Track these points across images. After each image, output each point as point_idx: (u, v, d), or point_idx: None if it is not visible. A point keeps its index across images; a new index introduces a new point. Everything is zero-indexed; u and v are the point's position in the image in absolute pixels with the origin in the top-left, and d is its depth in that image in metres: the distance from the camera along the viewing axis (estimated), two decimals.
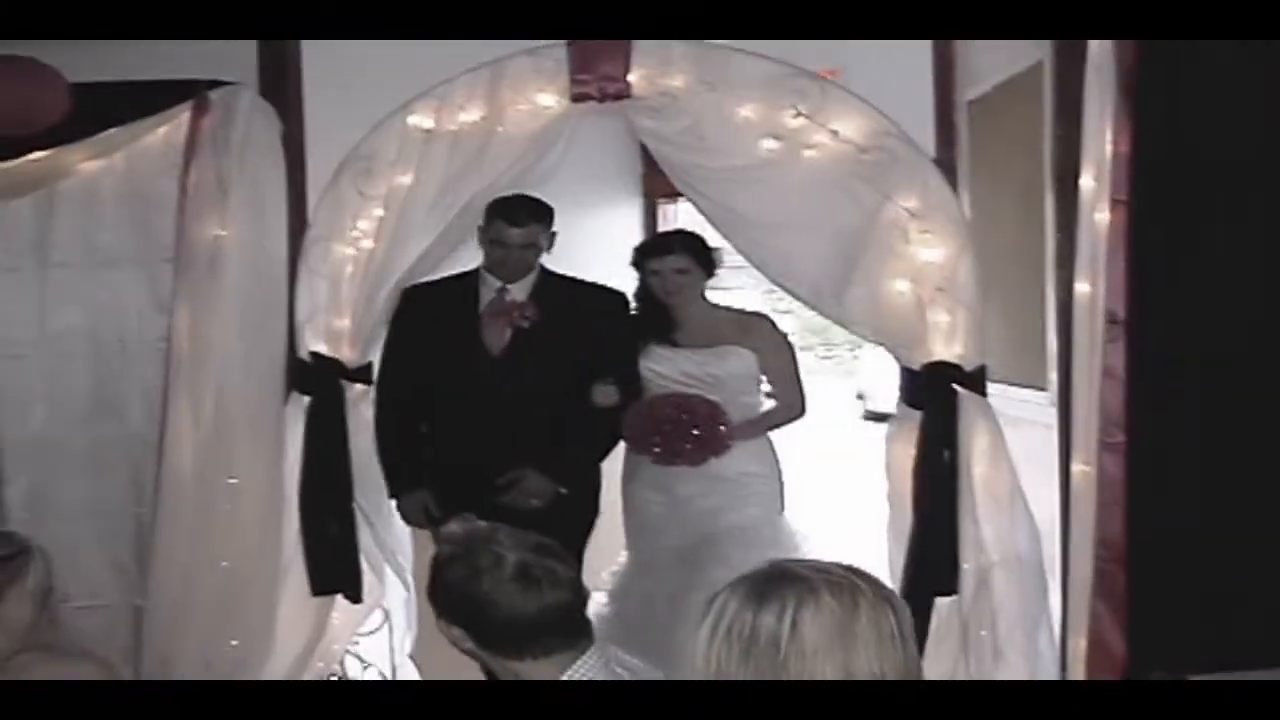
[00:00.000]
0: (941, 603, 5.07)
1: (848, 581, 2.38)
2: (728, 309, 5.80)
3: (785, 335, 5.80)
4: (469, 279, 5.60)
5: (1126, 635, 4.70)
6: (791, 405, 5.72)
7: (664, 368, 5.60)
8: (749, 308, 5.96)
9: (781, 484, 5.77)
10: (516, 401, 5.40)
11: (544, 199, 5.51)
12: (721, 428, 5.52)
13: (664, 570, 5.55)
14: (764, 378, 5.70)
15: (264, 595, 5.52)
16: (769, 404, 5.74)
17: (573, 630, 3.14)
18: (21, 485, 5.97)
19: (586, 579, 4.93)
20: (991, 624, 4.99)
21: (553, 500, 5.41)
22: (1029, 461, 5.22)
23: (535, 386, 5.41)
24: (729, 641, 2.34)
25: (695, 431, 5.50)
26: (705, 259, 5.66)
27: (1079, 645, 4.83)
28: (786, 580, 2.38)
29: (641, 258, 5.72)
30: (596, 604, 5.46)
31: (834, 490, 12.50)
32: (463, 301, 5.54)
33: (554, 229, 5.48)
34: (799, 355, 5.80)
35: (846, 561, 2.45)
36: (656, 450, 5.55)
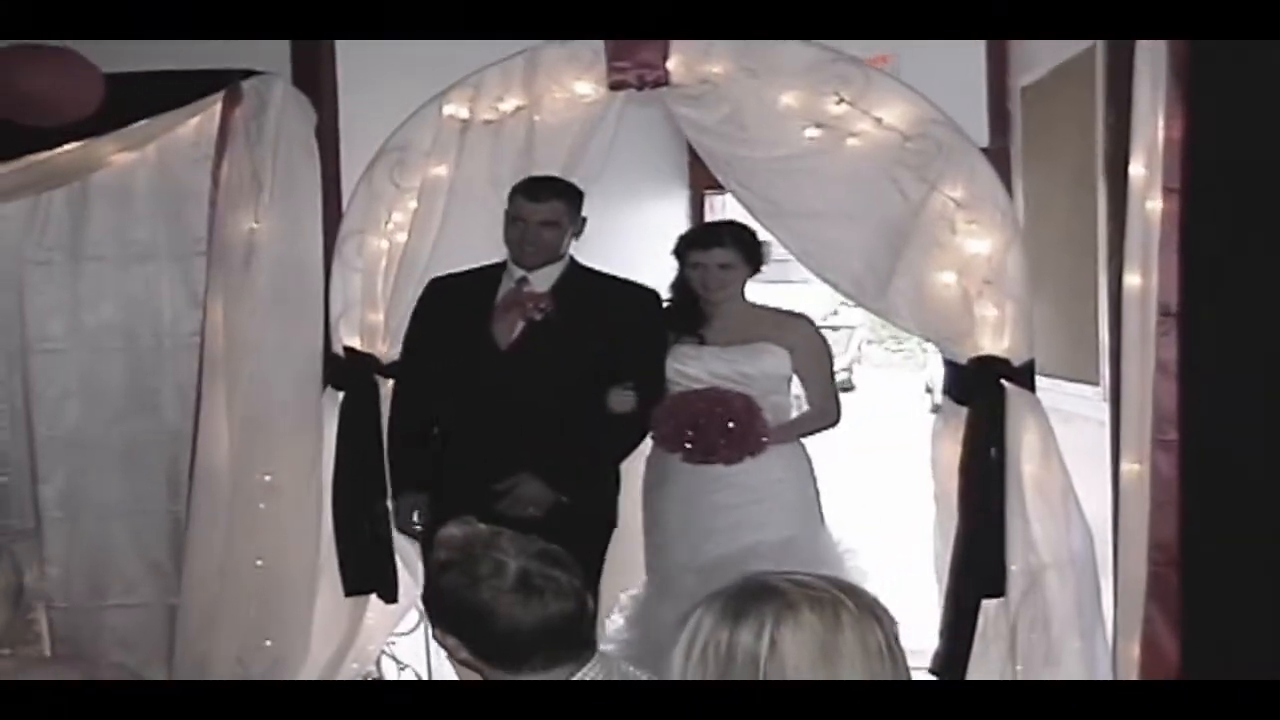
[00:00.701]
0: (989, 605, 4.91)
1: (830, 596, 2.25)
2: (765, 307, 5.43)
3: (824, 338, 5.46)
4: (494, 270, 5.22)
5: (1180, 640, 4.54)
6: (826, 411, 5.35)
7: (691, 368, 5.23)
8: (792, 308, 5.56)
9: (818, 493, 5.40)
10: (524, 400, 5.02)
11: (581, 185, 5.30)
12: (758, 424, 5.18)
13: (690, 592, 4.68)
14: (797, 379, 5.37)
15: (299, 595, 5.45)
16: (799, 408, 5.46)
17: (576, 642, 2.98)
18: (56, 483, 5.93)
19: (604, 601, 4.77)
20: (1044, 627, 4.85)
21: (553, 509, 4.99)
22: (1083, 459, 5.07)
23: (545, 384, 5.01)
24: (705, 661, 2.22)
25: (731, 426, 5.13)
26: (753, 254, 5.28)
27: (1131, 649, 4.67)
28: (764, 596, 2.25)
29: (685, 248, 5.34)
30: (614, 628, 5.31)
31: (902, 483, 12.37)
32: (482, 293, 5.17)
33: (583, 214, 5.14)
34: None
35: (831, 574, 2.32)
36: (688, 447, 5.16)
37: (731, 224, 5.47)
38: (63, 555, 5.91)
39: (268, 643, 5.40)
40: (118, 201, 5.86)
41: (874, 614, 2.25)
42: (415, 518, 5.20)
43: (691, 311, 5.29)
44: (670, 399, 5.20)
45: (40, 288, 5.92)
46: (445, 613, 2.97)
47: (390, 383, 5.35)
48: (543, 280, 5.12)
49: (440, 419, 5.24)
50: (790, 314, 5.45)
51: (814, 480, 5.40)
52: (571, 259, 5.20)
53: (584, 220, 5.14)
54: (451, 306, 5.18)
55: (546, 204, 5.04)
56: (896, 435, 15.76)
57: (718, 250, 5.24)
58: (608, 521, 5.23)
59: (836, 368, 5.64)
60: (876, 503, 10.58)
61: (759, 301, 5.44)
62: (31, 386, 5.93)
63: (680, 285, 5.34)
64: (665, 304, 5.30)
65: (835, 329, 19.40)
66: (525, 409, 5.01)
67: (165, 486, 5.89)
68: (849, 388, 20.33)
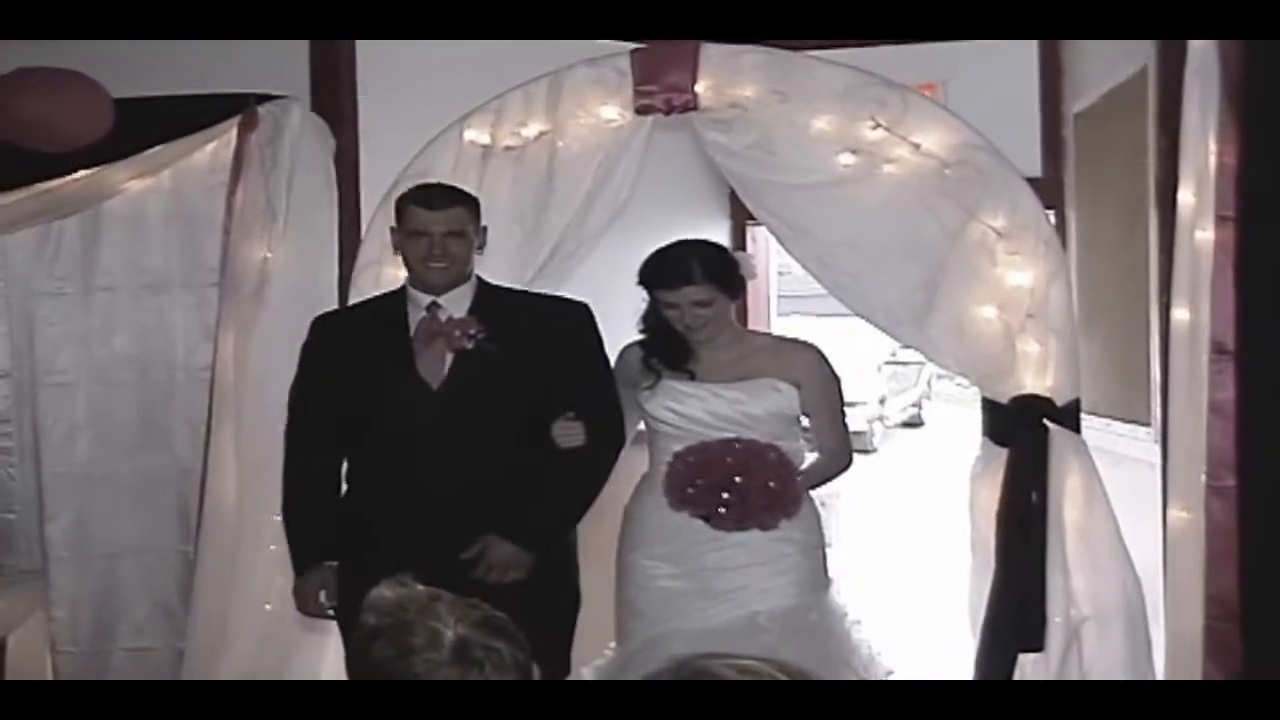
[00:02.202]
0: (1026, 659, 4.61)
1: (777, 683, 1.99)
2: (763, 335, 4.99)
3: (833, 370, 4.80)
4: (393, 299, 4.59)
5: None
6: (838, 454, 4.77)
7: (688, 408, 4.64)
8: (797, 336, 5.05)
9: (824, 554, 4.80)
10: (466, 447, 4.35)
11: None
12: (796, 481, 4.57)
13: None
14: (804, 419, 4.77)
15: (310, 640, 5.23)
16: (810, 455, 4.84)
17: None
18: (63, 521, 5.81)
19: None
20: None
21: (531, 570, 4.33)
22: (1134, 502, 4.81)
23: (490, 426, 4.36)
24: None
25: (770, 484, 4.50)
26: (730, 281, 4.68)
27: None
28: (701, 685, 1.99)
29: (651, 284, 4.70)
30: None
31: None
32: (389, 327, 4.49)
33: (484, 223, 4.57)
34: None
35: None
36: (723, 511, 4.50)
37: (697, 249, 4.78)
38: (69, 596, 5.79)
39: None
40: (131, 230, 5.77)
41: None
42: (324, 598, 4.50)
43: (676, 345, 4.73)
44: (691, 453, 4.58)
45: (50, 319, 5.82)
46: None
47: None
48: (456, 304, 4.46)
49: (355, 478, 4.55)
50: (793, 342, 4.91)
51: (823, 538, 4.83)
52: (479, 277, 4.56)
53: (485, 230, 4.56)
54: (353, 345, 4.52)
55: (448, 211, 4.43)
56: (965, 471, 15.53)
57: (689, 289, 4.62)
58: (574, 591, 4.62)
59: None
60: (939, 539, 10.31)
61: (754, 329, 5.01)
62: (40, 420, 5.80)
63: (657, 318, 4.74)
64: (641, 337, 4.77)
65: (904, 364, 19.25)
66: (469, 457, 4.37)
67: (176, 525, 5.76)
68: (918, 423, 20.17)
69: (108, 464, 5.78)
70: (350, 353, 4.48)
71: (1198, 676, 4.38)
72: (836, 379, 4.80)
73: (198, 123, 5.49)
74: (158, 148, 5.51)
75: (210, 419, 5.36)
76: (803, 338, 4.97)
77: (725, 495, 4.51)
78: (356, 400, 4.44)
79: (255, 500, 5.24)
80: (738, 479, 4.51)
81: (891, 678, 4.67)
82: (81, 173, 5.47)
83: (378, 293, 5.08)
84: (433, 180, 4.63)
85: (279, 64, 5.46)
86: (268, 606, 5.21)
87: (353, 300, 5.12)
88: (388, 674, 2.55)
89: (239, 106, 5.41)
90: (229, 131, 5.46)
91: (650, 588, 4.70)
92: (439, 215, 4.40)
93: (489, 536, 4.34)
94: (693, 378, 4.70)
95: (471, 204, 4.48)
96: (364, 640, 2.62)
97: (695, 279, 4.61)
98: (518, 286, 4.70)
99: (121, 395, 5.78)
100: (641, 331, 4.77)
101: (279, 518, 5.12)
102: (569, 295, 4.63)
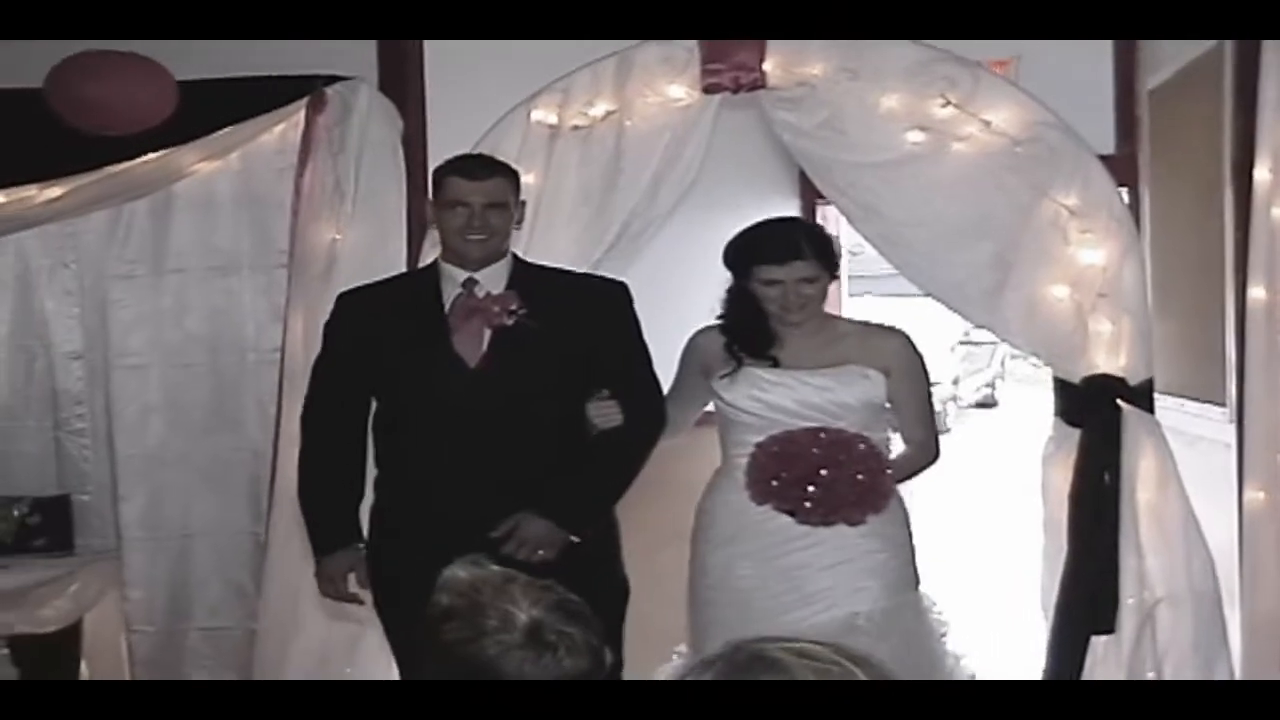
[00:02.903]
0: (1098, 641, 4.57)
1: (840, 669, 1.94)
2: (848, 320, 4.82)
3: (921, 356, 4.55)
4: (425, 275, 4.44)
5: None
6: (926, 445, 4.53)
7: (774, 396, 4.35)
8: (884, 321, 4.79)
9: (914, 550, 4.50)
10: (501, 424, 4.16)
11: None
12: (885, 474, 4.32)
13: None
14: (889, 407, 4.50)
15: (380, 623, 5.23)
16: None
17: None
18: (137, 502, 5.82)
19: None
20: (1158, 667, 4.50)
21: (565, 551, 4.13)
22: (1209, 483, 4.76)
23: (525, 404, 4.17)
24: None
25: (859, 477, 4.24)
26: (832, 260, 4.42)
27: None
28: (759, 668, 1.94)
29: (751, 261, 4.39)
30: None
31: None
32: (421, 303, 4.29)
33: (546, 203, 4.51)
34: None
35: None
36: (809, 505, 4.25)
37: (800, 225, 4.67)
38: (144, 577, 5.81)
39: (348, 671, 5.21)
40: (201, 212, 5.77)
41: None
42: (353, 582, 4.36)
43: (761, 331, 4.44)
44: (775, 443, 4.31)
45: (122, 301, 5.84)
46: (444, 671, 2.53)
47: None
48: (493, 281, 4.27)
49: (385, 458, 4.38)
50: (881, 328, 4.64)
51: (911, 533, 4.52)
52: (515, 255, 4.39)
53: (524, 204, 4.41)
54: (383, 323, 4.31)
55: (490, 181, 4.24)
56: (1039, 451, 15.43)
57: (798, 264, 4.32)
58: (619, 580, 4.40)
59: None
60: (1013, 520, 10.27)
61: (836, 314, 4.81)
62: (113, 402, 5.84)
63: (742, 300, 4.46)
64: (719, 321, 4.53)
65: (978, 344, 19.14)
66: (503, 436, 4.17)
67: (247, 507, 5.77)
68: (992, 404, 20.11)
69: (180, 446, 5.80)
70: (380, 330, 4.31)
71: (1275, 660, 4.34)
72: (924, 365, 4.58)
73: (266, 104, 5.49)
74: (226, 130, 5.51)
75: (280, 400, 5.36)
76: (888, 322, 4.76)
77: (811, 489, 4.27)
78: (387, 378, 4.29)
79: None
80: (824, 471, 4.26)
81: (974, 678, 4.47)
82: (151, 155, 5.48)
83: None
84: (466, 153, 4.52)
85: (347, 45, 5.41)
86: None
87: None
88: (459, 656, 2.50)
89: (307, 88, 5.41)
90: (297, 113, 5.45)
91: (730, 588, 4.42)
92: (479, 185, 4.23)
93: (522, 513, 4.14)
94: (776, 364, 4.43)
95: (512, 175, 4.34)
96: (436, 620, 2.56)
97: (804, 254, 4.35)
98: (550, 264, 4.53)
99: (193, 377, 5.80)
100: (721, 316, 4.52)
101: None
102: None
